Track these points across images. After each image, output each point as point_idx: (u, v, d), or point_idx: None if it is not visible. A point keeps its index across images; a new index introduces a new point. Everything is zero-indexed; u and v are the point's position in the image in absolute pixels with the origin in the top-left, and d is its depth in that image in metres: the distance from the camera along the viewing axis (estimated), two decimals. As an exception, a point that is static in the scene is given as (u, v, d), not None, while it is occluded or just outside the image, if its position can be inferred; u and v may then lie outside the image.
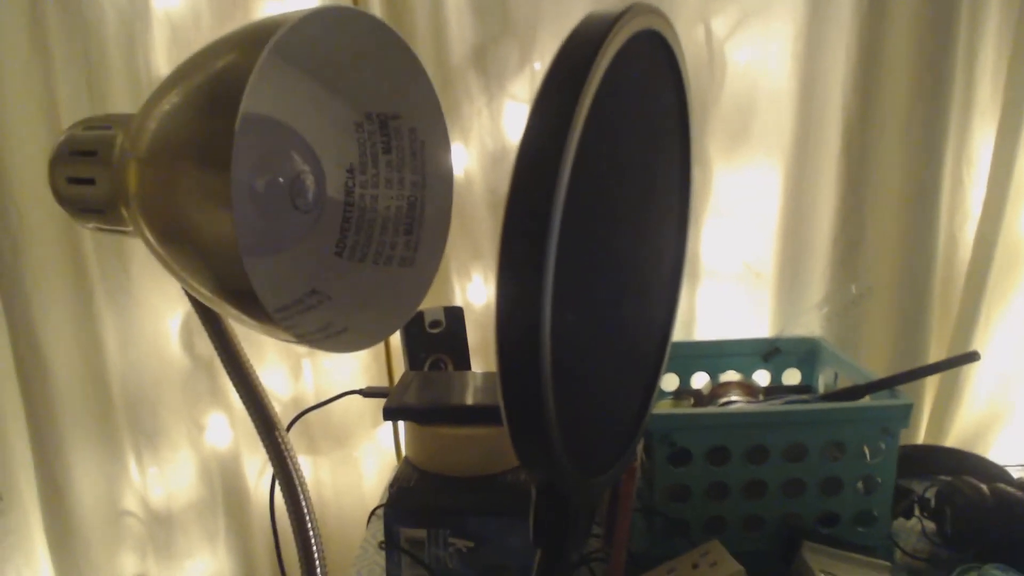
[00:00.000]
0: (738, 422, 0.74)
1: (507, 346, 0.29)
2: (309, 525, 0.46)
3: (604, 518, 0.75)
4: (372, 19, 0.39)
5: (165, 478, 1.04)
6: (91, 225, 0.44)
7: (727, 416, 0.76)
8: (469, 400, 0.72)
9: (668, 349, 0.51)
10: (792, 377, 0.93)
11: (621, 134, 0.36)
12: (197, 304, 0.42)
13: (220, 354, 0.46)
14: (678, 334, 1.00)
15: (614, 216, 0.37)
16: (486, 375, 0.77)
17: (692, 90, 0.86)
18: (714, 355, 0.93)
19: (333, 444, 1.06)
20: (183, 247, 0.33)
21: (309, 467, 1.07)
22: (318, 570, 0.45)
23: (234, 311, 0.34)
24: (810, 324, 0.96)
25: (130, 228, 0.40)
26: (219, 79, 0.34)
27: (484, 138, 0.99)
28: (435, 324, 0.89)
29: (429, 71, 0.44)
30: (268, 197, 0.38)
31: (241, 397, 0.46)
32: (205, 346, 1.04)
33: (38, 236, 0.94)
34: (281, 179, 0.39)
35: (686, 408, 0.87)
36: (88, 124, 0.44)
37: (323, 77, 0.43)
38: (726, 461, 0.74)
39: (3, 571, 1.01)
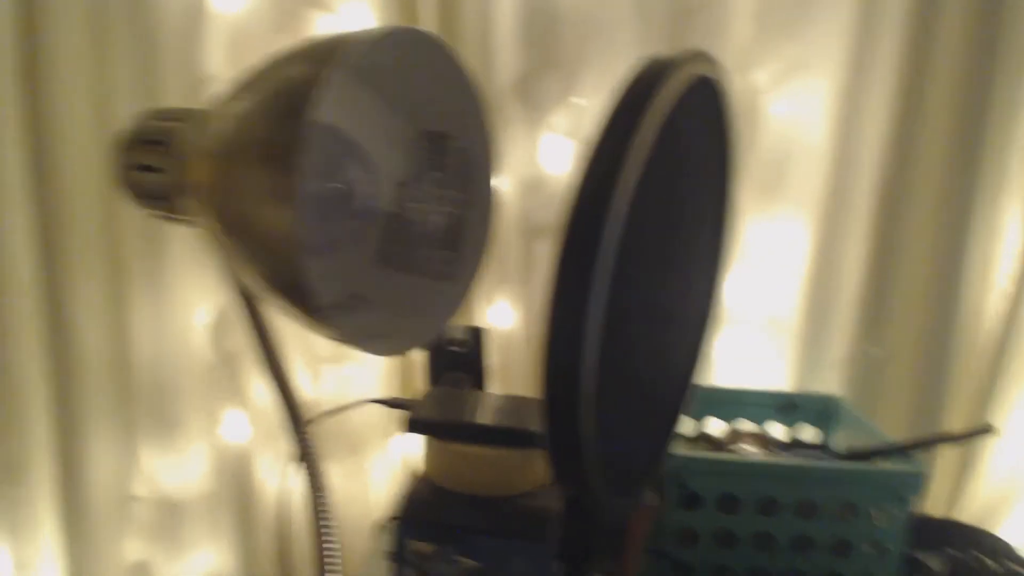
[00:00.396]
0: (751, 472, 0.74)
1: (553, 365, 0.30)
2: (326, 522, 0.47)
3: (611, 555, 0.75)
4: (438, 43, 0.41)
5: (177, 468, 1.05)
6: (152, 211, 0.46)
7: (740, 464, 0.76)
8: (493, 420, 0.73)
9: (692, 388, 0.52)
10: (807, 433, 0.93)
11: (670, 178, 0.37)
12: (242, 295, 0.44)
13: (256, 346, 0.48)
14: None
15: (654, 254, 0.39)
16: (508, 397, 0.78)
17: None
18: (730, 402, 0.93)
19: (346, 451, 1.07)
20: (245, 239, 0.34)
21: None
22: (333, 566, 0.46)
23: (282, 304, 0.35)
24: (829, 381, 0.96)
25: (189, 217, 0.42)
26: (293, 88, 0.36)
27: (520, 166, 1.01)
28: (458, 342, 0.90)
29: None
30: (325, 201, 0.40)
31: (272, 390, 0.47)
32: (230, 342, 1.06)
33: (80, 222, 0.97)
34: (339, 185, 0.40)
35: (701, 451, 0.87)
36: (158, 115, 0.46)
37: (386, 94, 0.45)
38: (736, 510, 0.74)
39: (15, 540, 1.03)
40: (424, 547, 0.68)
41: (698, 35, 0.94)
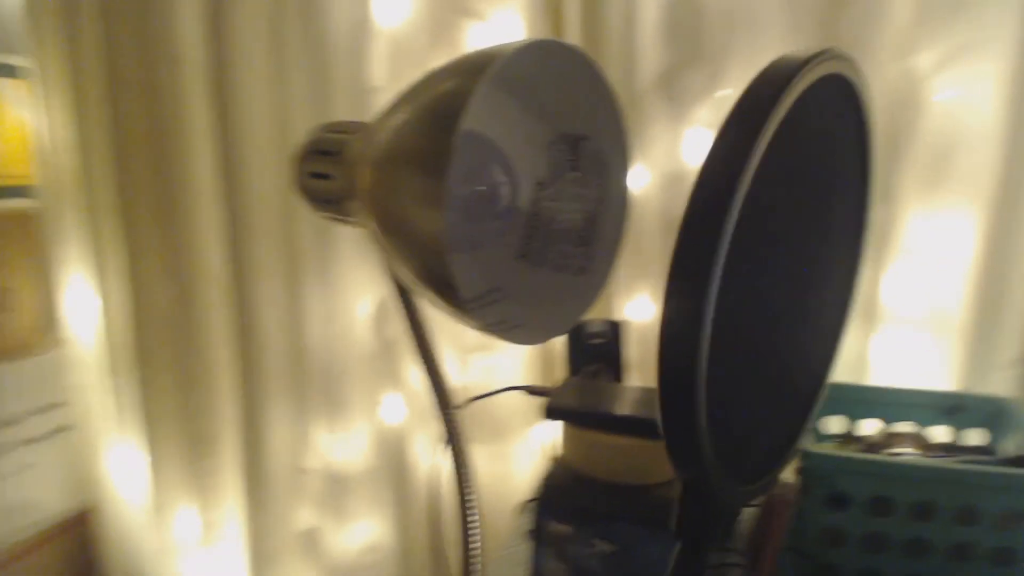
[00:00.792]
0: (903, 474, 0.71)
1: (669, 352, 0.32)
2: (470, 499, 0.51)
3: (748, 550, 0.75)
4: (575, 51, 0.43)
5: (343, 445, 1.15)
6: (324, 214, 0.52)
7: (891, 466, 0.73)
8: (627, 411, 0.75)
9: (825, 384, 0.51)
10: (974, 437, 0.87)
11: (797, 171, 0.38)
12: (399, 289, 0.49)
13: (410, 335, 0.53)
14: (849, 376, 0.97)
15: (780, 248, 0.39)
16: (644, 389, 0.80)
17: (883, 130, 0.84)
18: (888, 403, 0.89)
19: (491, 436, 1.12)
20: (400, 238, 0.39)
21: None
22: (474, 539, 0.50)
23: (433, 296, 0.39)
24: (999, 382, 0.89)
25: (355, 218, 0.48)
26: (443, 101, 0.40)
27: (663, 160, 1.02)
28: (597, 335, 0.93)
29: (617, 93, 0.48)
30: (471, 203, 0.44)
31: (424, 376, 0.52)
32: (389, 331, 1.15)
33: (261, 223, 1.09)
34: (484, 188, 0.44)
35: (849, 451, 0.84)
36: (330, 128, 0.52)
37: (526, 100, 0.48)
38: (888, 513, 0.71)
39: (205, 504, 1.17)
40: (562, 529, 0.72)
41: (853, 22, 0.90)
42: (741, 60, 0.96)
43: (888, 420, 0.88)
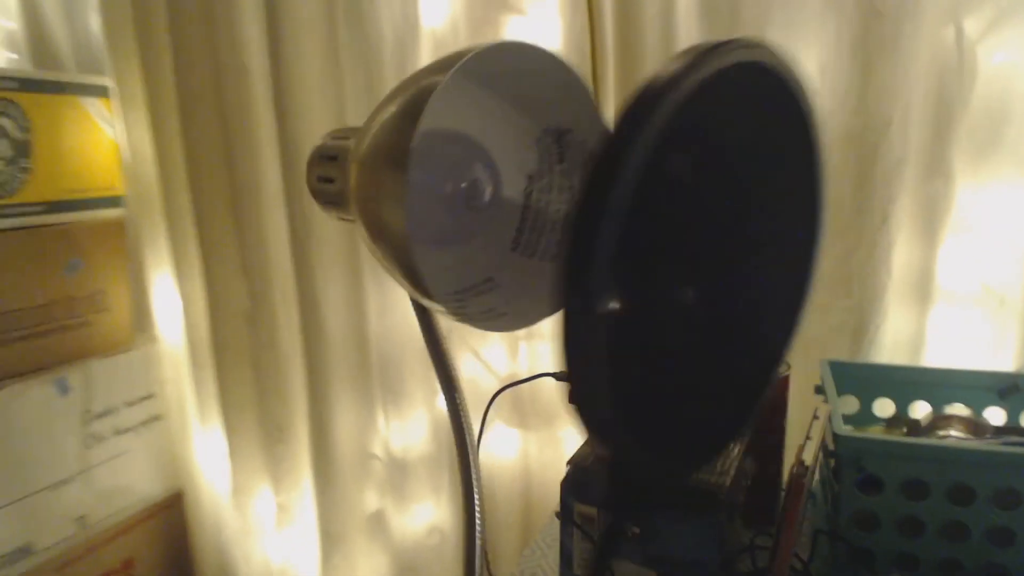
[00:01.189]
0: (937, 456, 0.69)
1: (568, 341, 0.34)
2: (475, 489, 0.54)
3: (776, 532, 0.75)
4: (545, 50, 0.45)
5: (404, 431, 1.21)
6: (333, 215, 0.56)
7: (924, 448, 0.71)
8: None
9: (776, 369, 0.50)
10: (1034, 419, 0.83)
11: (714, 168, 0.38)
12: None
13: (420, 324, 0.56)
14: (905, 357, 0.94)
15: (702, 236, 0.40)
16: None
17: (933, 100, 0.81)
18: (939, 384, 0.86)
19: (541, 422, 1.15)
20: (378, 235, 0.42)
21: (519, 439, 1.17)
22: (477, 516, 0.53)
23: (410, 288, 0.42)
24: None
25: (354, 219, 0.51)
26: (414, 97, 0.42)
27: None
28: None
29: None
30: (452, 198, 0.47)
31: (434, 363, 0.55)
32: (443, 322, 1.19)
33: (323, 224, 1.15)
34: (463, 184, 0.47)
35: (878, 433, 0.82)
36: (334, 134, 0.56)
37: (510, 98, 0.50)
38: (924, 496, 0.70)
39: (278, 488, 1.25)
40: (589, 510, 0.73)
41: (892, -11, 0.87)
42: (779, 36, 0.94)
43: (939, 402, 0.85)
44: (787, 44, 0.94)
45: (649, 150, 0.30)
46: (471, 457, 0.54)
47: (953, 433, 0.80)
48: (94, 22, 1.38)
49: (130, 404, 1.27)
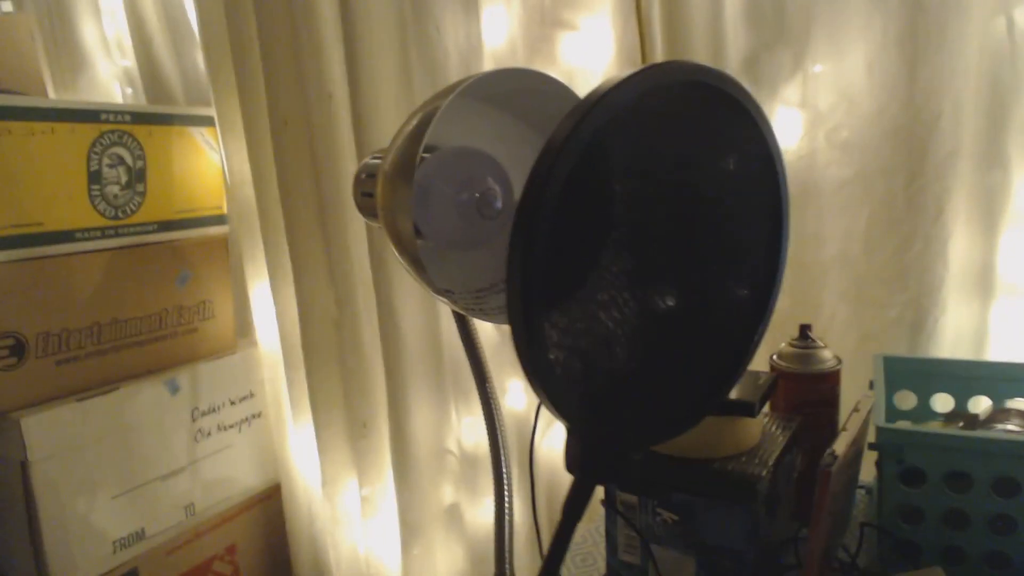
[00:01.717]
0: (976, 448, 0.69)
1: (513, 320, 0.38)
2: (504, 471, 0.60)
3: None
4: (540, 74, 0.51)
5: (475, 428, 1.27)
6: (375, 225, 0.63)
7: (965, 440, 0.70)
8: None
9: (745, 361, 0.52)
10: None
11: (661, 176, 0.42)
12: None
13: (458, 324, 0.62)
14: (967, 351, 0.92)
15: (658, 239, 0.43)
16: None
17: (987, 92, 0.80)
18: (1000, 378, 0.84)
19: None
20: (396, 238, 0.48)
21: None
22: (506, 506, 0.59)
23: (429, 287, 0.48)
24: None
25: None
26: (422, 119, 0.48)
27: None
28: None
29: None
30: (466, 206, 0.52)
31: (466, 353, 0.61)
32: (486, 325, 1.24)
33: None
34: (477, 194, 0.52)
35: (919, 425, 0.82)
36: (375, 154, 0.62)
37: (522, 115, 0.55)
38: (968, 489, 0.69)
39: (363, 481, 1.34)
40: (630, 498, 0.77)
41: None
42: (825, 35, 0.95)
43: (1000, 397, 0.84)
44: (833, 43, 0.96)
45: (575, 157, 0.35)
46: (501, 450, 0.59)
47: (1011, 427, 0.79)
48: (199, 58, 1.53)
49: (233, 402, 1.40)
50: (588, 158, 0.37)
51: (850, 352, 0.91)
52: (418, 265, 0.47)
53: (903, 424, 0.86)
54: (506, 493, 0.60)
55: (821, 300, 0.98)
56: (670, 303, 0.46)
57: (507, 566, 0.63)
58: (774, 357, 0.87)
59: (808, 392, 0.85)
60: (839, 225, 0.95)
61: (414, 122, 0.49)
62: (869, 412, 0.77)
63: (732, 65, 1.01)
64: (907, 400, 0.88)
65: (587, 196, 0.40)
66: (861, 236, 0.94)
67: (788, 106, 0.99)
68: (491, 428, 0.60)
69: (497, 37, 1.17)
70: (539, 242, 0.36)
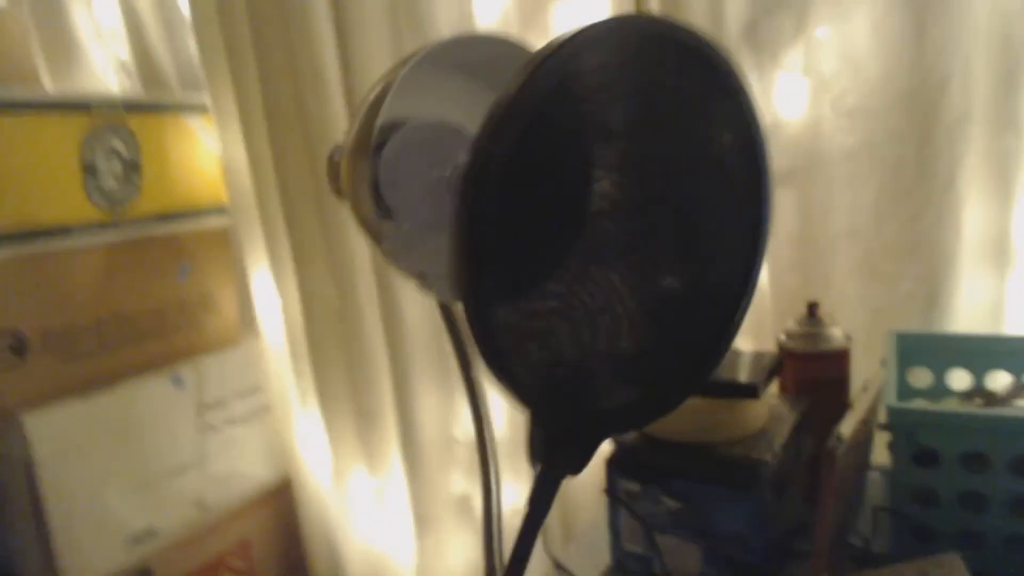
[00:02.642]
0: (995, 427, 0.65)
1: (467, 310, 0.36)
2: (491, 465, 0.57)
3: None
4: (512, 39, 0.47)
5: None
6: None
7: (980, 418, 0.67)
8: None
9: (726, 343, 0.49)
10: None
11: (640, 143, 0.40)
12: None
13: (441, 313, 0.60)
14: (984, 325, 0.88)
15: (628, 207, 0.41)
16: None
17: (998, 55, 0.76)
18: (1021, 352, 0.80)
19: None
20: (361, 218, 0.46)
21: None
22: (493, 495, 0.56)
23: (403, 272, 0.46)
24: None
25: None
26: (385, 87, 0.46)
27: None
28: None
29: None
30: (438, 185, 0.50)
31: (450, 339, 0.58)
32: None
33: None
34: (448, 172, 0.49)
35: (935, 403, 0.78)
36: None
37: (495, 85, 0.52)
38: (985, 469, 0.66)
39: (373, 472, 1.33)
40: (632, 486, 0.75)
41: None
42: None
43: (1020, 371, 0.80)
44: (836, 4, 0.91)
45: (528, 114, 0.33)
46: (487, 439, 0.57)
47: (1031, 404, 0.75)
48: (192, 43, 1.50)
49: (239, 396, 1.38)
50: (547, 123, 0.34)
51: (862, 329, 0.88)
52: (387, 248, 0.45)
53: (919, 402, 0.82)
54: (492, 483, 0.58)
55: (830, 276, 0.94)
56: (647, 283, 0.43)
57: (495, 558, 0.61)
58: (782, 337, 0.84)
59: (817, 372, 0.82)
60: (847, 197, 0.91)
61: (373, 94, 0.47)
62: (880, 391, 0.74)
63: (732, 31, 0.97)
64: (923, 378, 0.84)
65: (552, 166, 0.37)
66: (870, 207, 0.90)
67: (788, 71, 0.95)
68: (476, 416, 0.58)
69: (492, 13, 1.14)
70: (486, 210, 0.33)
